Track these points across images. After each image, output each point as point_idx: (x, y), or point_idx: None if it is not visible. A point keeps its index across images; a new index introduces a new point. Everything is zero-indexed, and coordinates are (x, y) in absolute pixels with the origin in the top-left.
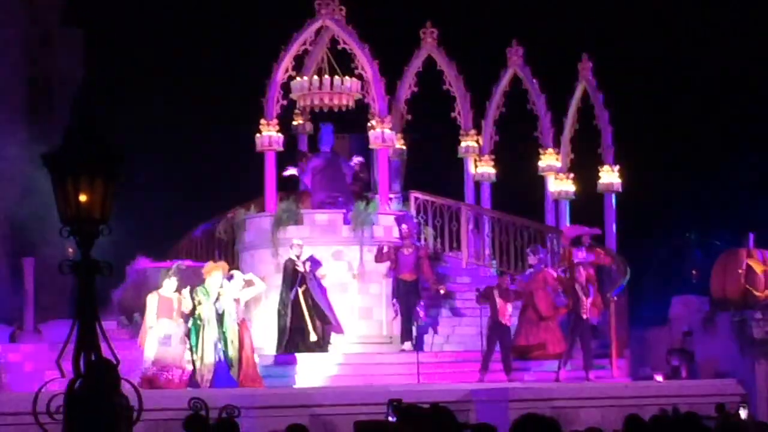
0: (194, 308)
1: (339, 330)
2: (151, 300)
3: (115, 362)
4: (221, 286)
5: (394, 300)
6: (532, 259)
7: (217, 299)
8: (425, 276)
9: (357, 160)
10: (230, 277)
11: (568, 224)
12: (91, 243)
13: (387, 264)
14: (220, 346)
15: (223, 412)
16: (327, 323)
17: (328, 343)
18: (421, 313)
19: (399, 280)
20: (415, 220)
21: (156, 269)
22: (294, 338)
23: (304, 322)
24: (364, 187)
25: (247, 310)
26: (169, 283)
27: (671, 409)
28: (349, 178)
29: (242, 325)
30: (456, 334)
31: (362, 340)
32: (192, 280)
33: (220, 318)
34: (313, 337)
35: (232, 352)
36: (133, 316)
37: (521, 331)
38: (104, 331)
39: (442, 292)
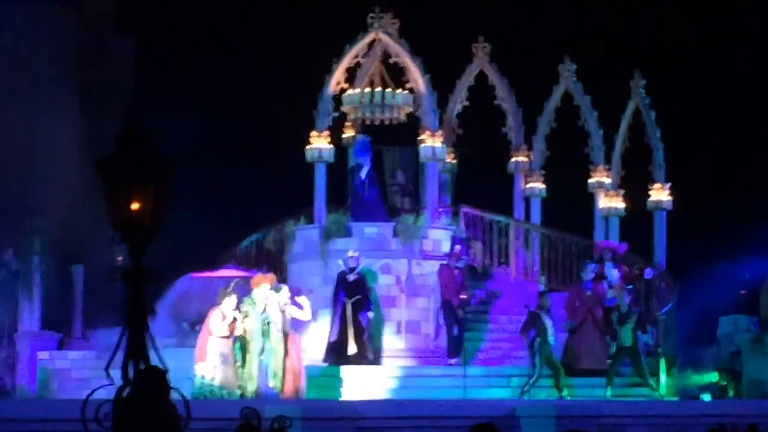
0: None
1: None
2: (215, 316)
3: (163, 370)
4: (267, 298)
5: (442, 317)
6: (587, 276)
7: (264, 310)
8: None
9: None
10: (277, 288)
11: (616, 241)
12: (142, 250)
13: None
14: (262, 357)
15: (275, 423)
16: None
17: (377, 356)
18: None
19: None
20: (462, 237)
21: (206, 279)
22: (335, 350)
23: (346, 334)
24: (413, 202)
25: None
26: (230, 301)
27: (729, 426)
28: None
29: (290, 338)
30: (502, 348)
31: (409, 354)
32: (243, 291)
33: (265, 330)
34: (351, 350)
35: (275, 363)
36: (181, 324)
37: None
38: (154, 339)
39: (464, 297)
